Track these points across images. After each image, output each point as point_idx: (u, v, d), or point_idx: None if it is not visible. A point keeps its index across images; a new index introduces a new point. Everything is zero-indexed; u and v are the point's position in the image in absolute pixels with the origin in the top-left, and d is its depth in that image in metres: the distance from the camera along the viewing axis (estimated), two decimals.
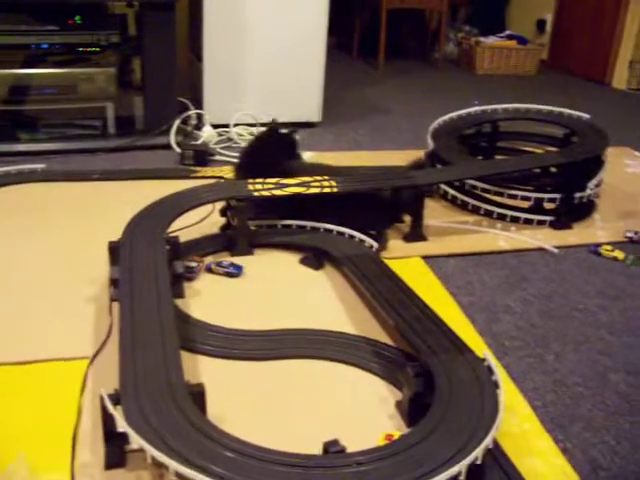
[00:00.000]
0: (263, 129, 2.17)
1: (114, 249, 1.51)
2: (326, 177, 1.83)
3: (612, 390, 1.33)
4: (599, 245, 1.94)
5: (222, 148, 2.66)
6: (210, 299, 1.56)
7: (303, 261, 1.75)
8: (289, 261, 1.76)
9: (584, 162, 2.12)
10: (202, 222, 1.92)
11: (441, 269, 1.79)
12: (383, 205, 1.93)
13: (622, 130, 3.25)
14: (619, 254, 1.90)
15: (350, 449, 0.99)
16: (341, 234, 1.79)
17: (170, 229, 1.60)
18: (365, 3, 4.76)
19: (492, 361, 1.18)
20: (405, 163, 2.23)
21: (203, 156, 2.49)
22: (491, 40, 4.68)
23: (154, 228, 1.57)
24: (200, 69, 2.87)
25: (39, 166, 2.30)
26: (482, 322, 1.55)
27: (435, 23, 5.08)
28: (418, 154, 2.33)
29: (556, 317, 1.59)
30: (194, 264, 1.66)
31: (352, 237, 1.78)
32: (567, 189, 2.06)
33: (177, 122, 2.64)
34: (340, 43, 5.07)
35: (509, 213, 2.08)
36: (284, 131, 2.03)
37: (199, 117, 2.82)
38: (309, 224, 1.83)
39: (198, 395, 1.07)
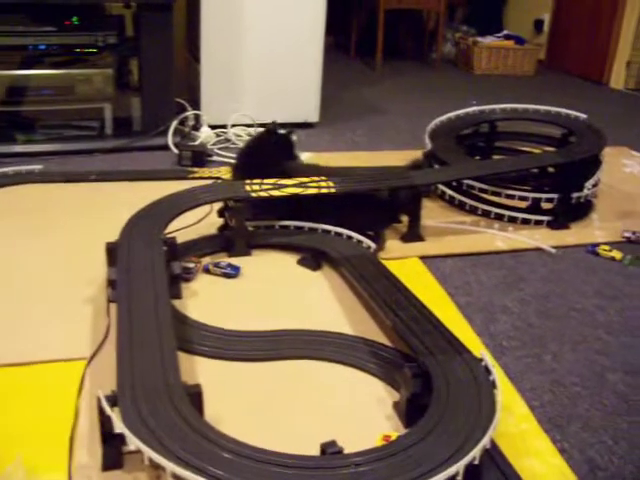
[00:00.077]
0: (261, 130, 2.17)
1: (111, 250, 1.51)
2: (324, 178, 1.83)
3: (610, 390, 1.33)
4: (597, 245, 1.94)
5: (220, 149, 2.66)
6: (208, 300, 1.56)
7: (301, 262, 1.75)
8: (287, 262, 1.76)
9: (582, 162, 2.12)
10: (200, 223, 1.92)
11: (439, 269, 1.79)
12: (381, 205, 1.93)
13: (619, 130, 3.26)
14: (617, 254, 1.90)
15: (348, 450, 0.99)
16: (339, 235, 1.79)
17: (168, 230, 1.60)
18: (362, 3, 4.77)
19: (489, 361, 1.18)
20: (403, 163, 2.23)
21: (201, 157, 2.48)
22: (489, 40, 4.69)
23: (151, 229, 1.57)
24: (198, 70, 2.87)
25: (36, 167, 2.30)
26: (480, 322, 1.55)
27: (433, 23, 5.08)
28: (416, 154, 2.33)
29: (554, 317, 1.59)
30: (192, 265, 1.66)
31: (350, 238, 1.78)
32: (565, 189, 2.06)
33: (175, 123, 2.64)
34: (338, 43, 5.08)
35: (507, 213, 2.08)
36: (282, 132, 2.03)
37: (197, 118, 2.82)
38: (307, 225, 1.83)
39: (195, 396, 1.07)
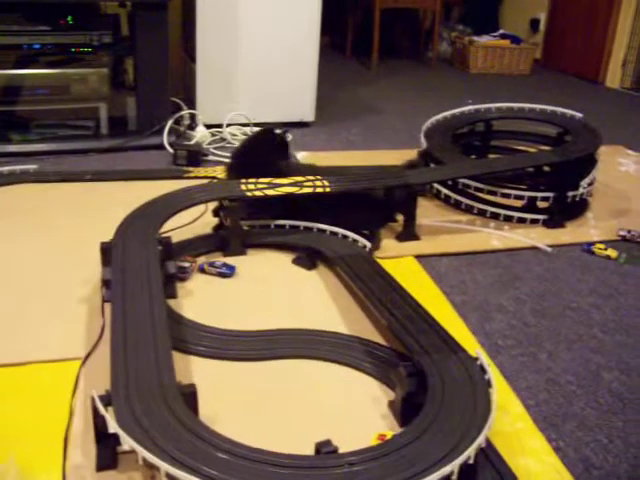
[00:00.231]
0: (256, 129, 2.17)
1: (106, 250, 1.50)
2: (319, 177, 1.83)
3: (605, 389, 1.33)
4: (592, 244, 1.95)
5: (215, 148, 2.66)
6: (203, 299, 1.56)
7: (296, 261, 1.75)
8: (282, 261, 1.76)
9: (577, 161, 2.12)
10: (195, 222, 1.92)
11: (434, 268, 1.79)
12: (376, 205, 1.93)
13: (615, 129, 3.26)
14: (612, 252, 1.90)
15: (343, 449, 0.99)
16: (334, 234, 1.79)
17: (163, 229, 1.60)
18: (358, 2, 4.77)
19: (485, 360, 1.18)
20: (398, 162, 2.23)
21: (196, 156, 2.48)
22: (484, 39, 4.69)
23: (146, 229, 1.57)
24: (193, 69, 2.86)
25: (31, 167, 2.30)
26: (475, 321, 1.55)
27: (429, 22, 5.09)
28: (411, 153, 2.33)
29: (549, 316, 1.59)
30: (187, 264, 1.65)
31: (345, 237, 1.78)
32: (560, 188, 2.06)
33: (170, 122, 2.64)
34: (333, 42, 5.08)
35: (502, 212, 2.08)
36: (276, 131, 2.03)
37: (192, 117, 2.82)
38: (302, 224, 1.82)
39: (190, 396, 1.07)
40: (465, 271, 1.78)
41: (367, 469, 0.93)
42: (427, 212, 2.11)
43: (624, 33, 4.30)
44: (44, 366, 1.29)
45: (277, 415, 1.20)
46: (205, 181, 2.09)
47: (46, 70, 2.54)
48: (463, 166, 2.12)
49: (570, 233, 2.04)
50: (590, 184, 2.16)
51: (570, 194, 2.07)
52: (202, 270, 1.67)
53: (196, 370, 1.30)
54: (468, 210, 2.13)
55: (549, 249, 1.93)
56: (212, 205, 1.88)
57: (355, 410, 1.22)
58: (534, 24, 5.01)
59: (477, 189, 2.11)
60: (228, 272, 1.66)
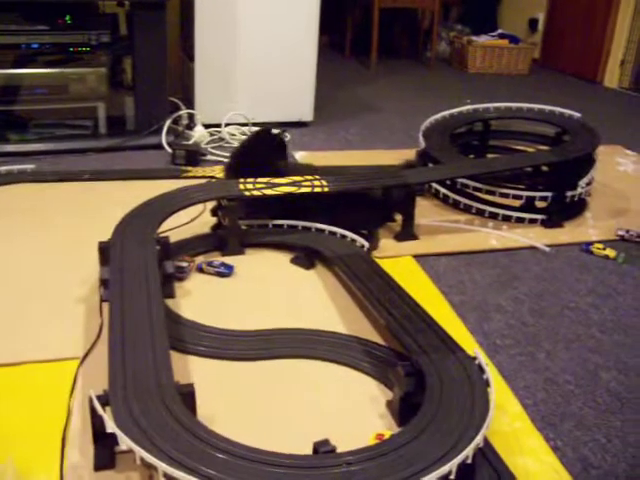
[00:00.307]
0: (255, 129, 2.16)
1: (104, 249, 1.50)
2: (317, 177, 1.83)
3: (603, 388, 1.33)
4: (590, 243, 1.95)
5: (213, 148, 2.66)
6: (201, 299, 1.56)
7: (294, 261, 1.75)
8: (280, 261, 1.76)
9: (575, 161, 2.12)
10: (193, 222, 1.92)
11: (432, 268, 1.78)
12: (374, 204, 1.93)
13: (613, 129, 3.26)
14: (610, 252, 1.90)
15: (341, 449, 0.99)
16: (332, 234, 1.79)
17: (161, 229, 1.60)
18: (357, 2, 4.77)
19: (483, 360, 1.18)
20: (397, 162, 2.23)
21: (194, 156, 2.48)
22: (483, 39, 4.69)
23: (144, 228, 1.56)
24: (191, 69, 2.86)
25: (29, 166, 2.29)
26: (473, 321, 1.55)
27: (427, 22, 5.09)
28: (410, 153, 2.33)
29: (547, 315, 1.59)
30: (185, 264, 1.65)
31: (343, 236, 1.78)
32: (559, 188, 2.06)
33: (168, 122, 2.64)
34: (332, 42, 5.08)
35: (501, 212, 2.08)
36: (274, 131, 2.03)
37: (190, 117, 2.81)
38: (300, 224, 1.82)
39: (188, 396, 1.07)
40: (463, 271, 1.78)
41: (365, 469, 0.93)
42: (425, 212, 2.11)
43: (622, 33, 4.30)
44: (42, 366, 1.29)
45: (275, 415, 1.20)
46: (203, 181, 2.09)
47: (44, 70, 2.53)
48: (461, 166, 2.12)
49: (568, 233, 2.04)
50: (588, 184, 2.16)
51: (568, 194, 2.07)
52: (200, 270, 1.67)
53: (194, 370, 1.30)
54: (466, 210, 2.13)
55: (547, 249, 1.93)
56: (210, 205, 1.88)
57: (353, 410, 1.22)
58: (533, 24, 5.01)
59: (475, 189, 2.11)
60: (226, 272, 1.66)
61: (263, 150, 2.00)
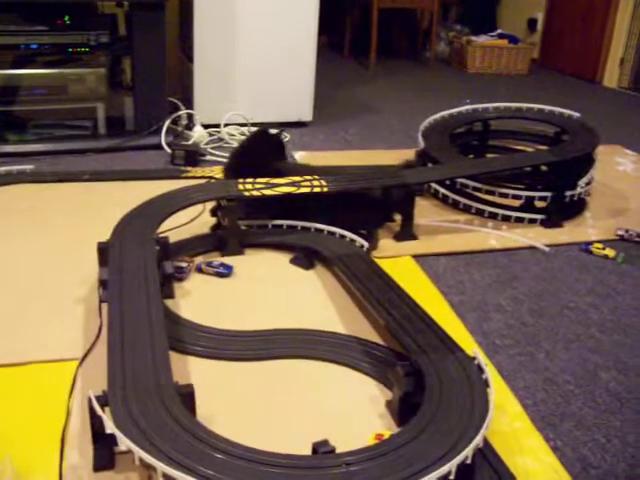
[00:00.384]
0: (254, 129, 2.16)
1: (103, 250, 1.50)
2: (316, 177, 1.83)
3: (603, 388, 1.33)
4: (590, 243, 1.95)
5: (213, 148, 2.66)
6: (200, 299, 1.56)
7: (294, 261, 1.75)
8: (280, 261, 1.76)
9: (575, 160, 2.12)
10: (192, 222, 1.92)
11: (432, 268, 1.78)
12: (374, 204, 1.93)
13: (613, 128, 3.26)
14: (610, 252, 1.90)
15: (340, 449, 0.98)
16: (332, 234, 1.79)
17: (160, 229, 1.59)
18: (356, 2, 4.77)
19: (482, 360, 1.17)
20: (396, 162, 2.23)
21: (194, 156, 2.48)
22: (482, 39, 4.70)
23: (144, 228, 1.56)
24: (191, 69, 2.86)
25: (28, 167, 2.29)
26: (473, 321, 1.55)
27: (426, 22, 5.09)
28: (409, 153, 2.33)
29: (547, 315, 1.59)
30: (184, 264, 1.65)
31: (343, 237, 1.78)
32: (558, 187, 2.06)
33: (168, 122, 2.64)
34: (331, 42, 5.08)
35: (500, 212, 2.08)
36: (273, 132, 2.03)
37: (190, 117, 2.81)
38: (300, 224, 1.82)
39: (187, 396, 1.06)
40: (463, 271, 1.78)
41: (364, 469, 0.93)
42: (425, 212, 2.11)
43: (622, 32, 4.30)
44: (41, 366, 1.29)
45: (274, 415, 1.19)
46: (203, 181, 2.09)
47: (43, 70, 2.53)
48: (461, 166, 2.12)
49: (568, 233, 2.04)
50: (588, 184, 2.16)
51: (568, 194, 2.07)
52: (200, 270, 1.67)
53: (193, 370, 1.30)
54: (466, 210, 2.13)
55: (547, 249, 1.93)
56: (210, 205, 1.88)
57: (352, 410, 1.21)
58: (532, 24, 5.02)
59: (475, 189, 2.11)
60: (226, 272, 1.66)
61: (262, 150, 2.00)
